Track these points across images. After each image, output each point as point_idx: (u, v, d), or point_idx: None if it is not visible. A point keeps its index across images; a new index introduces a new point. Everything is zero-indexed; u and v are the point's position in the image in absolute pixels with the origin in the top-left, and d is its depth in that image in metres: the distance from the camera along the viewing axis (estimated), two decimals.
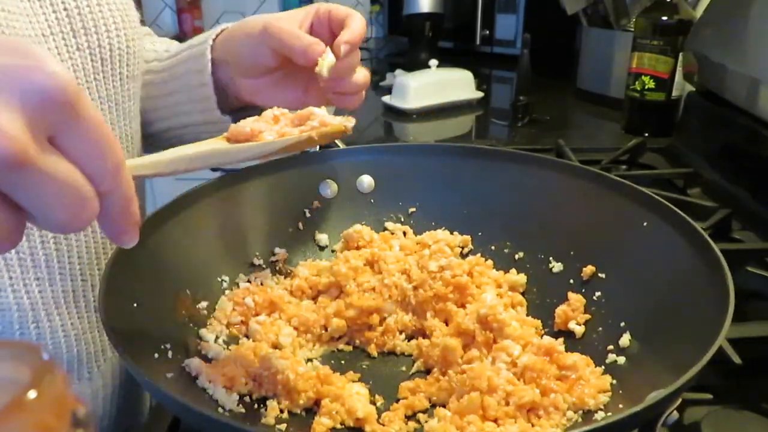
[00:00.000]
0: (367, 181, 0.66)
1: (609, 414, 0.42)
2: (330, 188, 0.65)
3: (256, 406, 0.45)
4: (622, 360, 0.47)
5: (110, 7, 0.55)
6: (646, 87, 1.08)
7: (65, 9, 0.51)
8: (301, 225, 0.64)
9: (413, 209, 0.66)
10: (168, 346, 0.45)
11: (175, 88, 0.66)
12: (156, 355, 0.43)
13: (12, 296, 0.48)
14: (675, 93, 1.08)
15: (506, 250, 0.62)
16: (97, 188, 0.29)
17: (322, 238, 0.64)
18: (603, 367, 0.47)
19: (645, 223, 0.53)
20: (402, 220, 0.66)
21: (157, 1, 2.23)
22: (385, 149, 0.68)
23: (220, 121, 0.65)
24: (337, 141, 0.71)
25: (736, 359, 0.48)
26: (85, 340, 0.55)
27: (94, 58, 0.54)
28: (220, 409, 0.43)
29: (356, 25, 0.57)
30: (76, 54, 0.52)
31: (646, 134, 1.09)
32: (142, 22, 0.64)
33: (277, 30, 0.56)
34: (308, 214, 0.64)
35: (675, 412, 0.37)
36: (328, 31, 0.59)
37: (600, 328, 0.52)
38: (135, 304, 0.44)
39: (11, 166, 0.25)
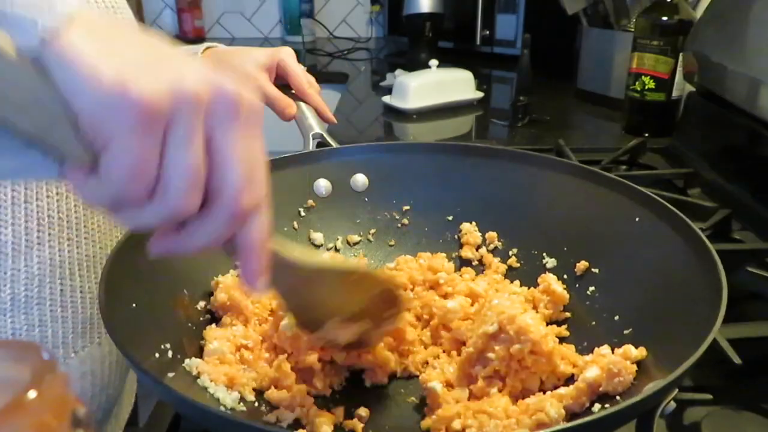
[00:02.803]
0: (361, 179, 0.66)
1: (606, 406, 0.42)
2: (324, 187, 0.65)
3: (257, 404, 0.45)
4: (616, 354, 0.47)
5: (123, 16, 0.61)
6: (647, 87, 1.08)
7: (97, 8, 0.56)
8: (296, 224, 0.64)
9: (407, 207, 0.66)
10: (168, 346, 0.45)
11: None
12: (157, 355, 0.43)
13: (48, 252, 0.52)
14: (675, 93, 1.08)
15: (500, 247, 0.63)
16: (217, 199, 0.31)
17: (317, 237, 0.64)
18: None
19: (637, 219, 0.53)
20: (396, 218, 0.66)
21: (157, 1, 2.23)
22: (378, 148, 0.69)
23: None
24: (331, 140, 0.71)
25: (736, 359, 0.48)
26: (98, 306, 0.57)
27: None
28: (221, 408, 0.43)
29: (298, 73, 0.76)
30: None
31: (646, 134, 1.09)
32: (143, 22, 0.67)
33: (262, 92, 0.73)
34: (303, 213, 0.64)
35: (672, 402, 0.37)
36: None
37: (594, 322, 0.52)
38: (134, 305, 0.44)
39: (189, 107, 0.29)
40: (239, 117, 0.31)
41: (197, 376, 0.45)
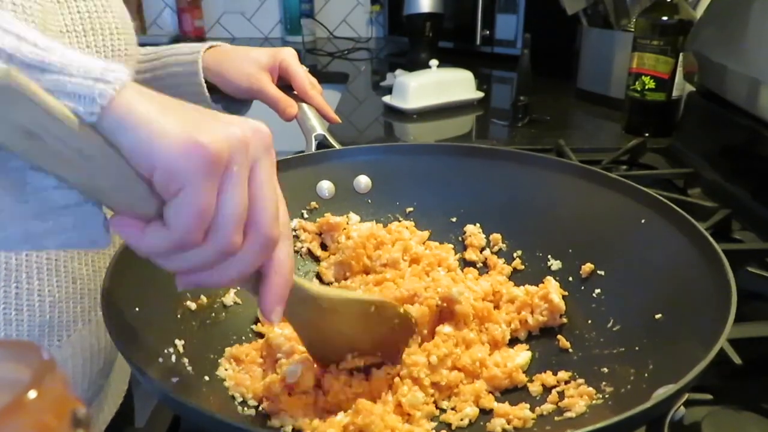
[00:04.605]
0: (364, 181, 0.66)
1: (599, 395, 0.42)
2: (327, 189, 0.65)
3: (260, 408, 0.45)
4: (623, 356, 0.47)
5: (113, 14, 0.60)
6: (647, 87, 1.08)
7: (78, 11, 0.56)
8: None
9: (411, 209, 0.66)
10: (171, 350, 0.45)
11: (159, 86, 0.74)
12: (160, 360, 0.43)
13: (4, 257, 0.52)
14: (675, 93, 1.08)
15: (504, 249, 0.62)
16: (252, 235, 0.34)
17: None
18: (605, 365, 0.47)
19: (642, 220, 0.53)
20: (400, 219, 0.66)
21: (158, 1, 2.23)
22: (381, 149, 0.68)
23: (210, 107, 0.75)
24: (333, 141, 0.71)
25: (736, 359, 0.48)
26: (59, 309, 0.57)
27: (98, 57, 0.56)
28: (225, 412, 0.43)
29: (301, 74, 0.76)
30: (85, 51, 0.56)
31: (647, 134, 1.09)
32: (143, 22, 0.67)
33: (262, 95, 0.73)
34: (306, 215, 0.64)
35: (682, 407, 0.37)
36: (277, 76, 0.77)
37: (600, 325, 0.52)
38: (137, 309, 0.44)
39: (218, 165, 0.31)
40: (271, 150, 0.35)
41: (201, 381, 0.45)
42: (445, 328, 0.50)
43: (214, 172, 0.31)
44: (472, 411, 0.46)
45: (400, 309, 0.49)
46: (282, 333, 0.48)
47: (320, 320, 0.44)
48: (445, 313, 0.51)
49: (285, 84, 0.77)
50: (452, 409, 0.47)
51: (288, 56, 0.76)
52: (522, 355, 0.51)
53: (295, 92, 0.76)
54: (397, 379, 0.46)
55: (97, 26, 0.58)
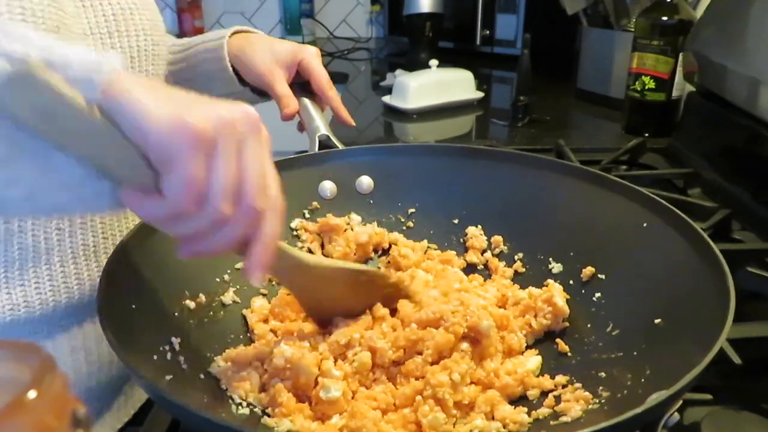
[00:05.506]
0: (366, 181, 0.66)
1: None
2: (329, 189, 0.65)
3: (255, 409, 0.45)
4: (622, 361, 0.47)
5: (141, 15, 0.63)
6: (647, 87, 1.08)
7: (104, 14, 0.58)
8: None
9: (413, 210, 0.66)
10: (166, 348, 0.45)
11: (193, 74, 0.78)
12: (155, 357, 0.43)
13: (31, 239, 0.54)
14: (675, 93, 1.08)
15: (506, 251, 0.62)
16: (243, 205, 0.37)
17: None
18: (603, 370, 0.47)
19: (644, 224, 0.53)
20: (402, 220, 0.66)
21: (158, 1, 2.23)
22: (384, 150, 0.68)
23: (240, 91, 0.78)
24: (336, 141, 0.71)
25: (736, 359, 0.48)
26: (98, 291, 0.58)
27: (125, 57, 0.61)
28: (219, 411, 0.43)
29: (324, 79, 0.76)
30: (110, 52, 0.59)
31: (646, 134, 1.09)
32: None
33: (270, 89, 0.75)
34: (307, 215, 0.64)
35: (676, 413, 0.37)
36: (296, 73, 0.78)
37: (600, 329, 0.52)
38: (134, 306, 0.44)
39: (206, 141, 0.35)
40: (260, 132, 0.38)
41: (196, 379, 0.45)
42: (463, 345, 0.48)
43: (201, 148, 0.35)
44: (482, 423, 0.44)
45: (391, 279, 0.52)
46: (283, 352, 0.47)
47: (315, 285, 0.49)
48: (467, 336, 0.49)
49: (304, 81, 0.76)
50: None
51: (309, 55, 0.76)
52: (532, 360, 0.50)
53: (314, 91, 0.76)
54: (419, 398, 0.44)
55: (122, 28, 0.60)
